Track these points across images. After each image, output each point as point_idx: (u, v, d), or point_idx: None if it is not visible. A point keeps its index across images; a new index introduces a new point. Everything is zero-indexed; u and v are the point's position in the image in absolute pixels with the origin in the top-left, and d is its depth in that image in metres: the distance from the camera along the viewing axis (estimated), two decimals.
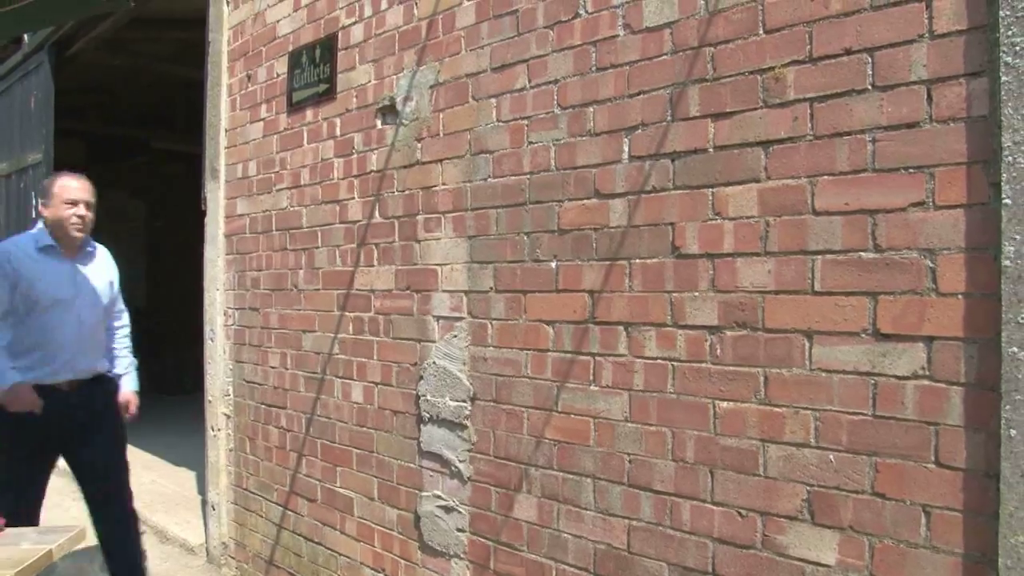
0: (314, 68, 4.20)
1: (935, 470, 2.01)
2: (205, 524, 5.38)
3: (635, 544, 2.67)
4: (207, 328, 5.15)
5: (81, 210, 3.86)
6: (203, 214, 5.20)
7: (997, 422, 1.88)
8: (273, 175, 4.53)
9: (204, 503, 5.41)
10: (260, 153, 4.66)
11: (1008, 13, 1.87)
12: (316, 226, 4.17)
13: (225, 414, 5.02)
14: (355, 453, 3.90)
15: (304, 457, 4.28)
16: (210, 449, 5.14)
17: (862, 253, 2.14)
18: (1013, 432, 1.84)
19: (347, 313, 3.95)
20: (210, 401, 5.13)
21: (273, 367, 4.52)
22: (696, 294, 2.49)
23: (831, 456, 2.19)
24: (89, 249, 4.05)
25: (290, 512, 4.40)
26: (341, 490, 4.00)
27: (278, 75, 4.52)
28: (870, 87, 2.13)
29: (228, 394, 4.99)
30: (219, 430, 5.05)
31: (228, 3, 5.05)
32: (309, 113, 4.25)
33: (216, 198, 5.06)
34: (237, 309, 4.89)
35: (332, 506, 4.07)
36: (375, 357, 3.76)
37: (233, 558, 4.98)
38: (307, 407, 4.23)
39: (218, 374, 5.05)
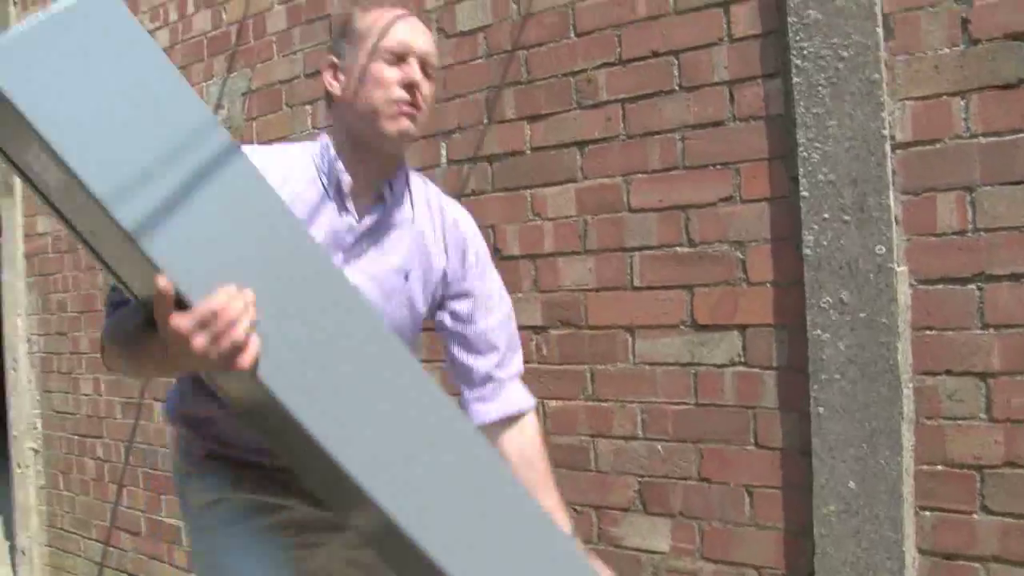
0: None
1: (755, 452, 2.11)
2: (14, 572, 4.98)
3: None
4: (8, 357, 4.76)
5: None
6: None
7: (807, 402, 1.99)
8: None
9: (13, 549, 5.00)
10: None
11: (795, 20, 1.98)
12: None
13: (33, 449, 4.66)
14: None
15: (125, 488, 4.03)
16: (17, 489, 4.76)
17: (678, 248, 2.22)
18: (821, 410, 1.95)
19: None
20: (15, 436, 4.75)
21: (87, 394, 4.24)
22: (520, 295, 2.50)
23: (659, 446, 2.26)
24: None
25: (112, 548, 4.13)
26: (168, 520, 3.79)
27: None
28: (677, 88, 2.21)
29: (36, 427, 4.64)
30: (27, 467, 4.68)
31: (15, 3, 4.68)
32: None
33: (12, 216, 4.69)
34: (43, 335, 4.55)
35: (159, 538, 3.85)
36: None
37: None
38: (125, 435, 3.99)
39: (23, 405, 4.68)
